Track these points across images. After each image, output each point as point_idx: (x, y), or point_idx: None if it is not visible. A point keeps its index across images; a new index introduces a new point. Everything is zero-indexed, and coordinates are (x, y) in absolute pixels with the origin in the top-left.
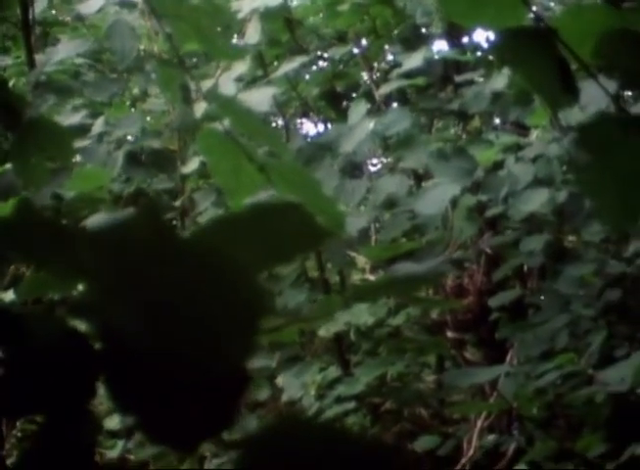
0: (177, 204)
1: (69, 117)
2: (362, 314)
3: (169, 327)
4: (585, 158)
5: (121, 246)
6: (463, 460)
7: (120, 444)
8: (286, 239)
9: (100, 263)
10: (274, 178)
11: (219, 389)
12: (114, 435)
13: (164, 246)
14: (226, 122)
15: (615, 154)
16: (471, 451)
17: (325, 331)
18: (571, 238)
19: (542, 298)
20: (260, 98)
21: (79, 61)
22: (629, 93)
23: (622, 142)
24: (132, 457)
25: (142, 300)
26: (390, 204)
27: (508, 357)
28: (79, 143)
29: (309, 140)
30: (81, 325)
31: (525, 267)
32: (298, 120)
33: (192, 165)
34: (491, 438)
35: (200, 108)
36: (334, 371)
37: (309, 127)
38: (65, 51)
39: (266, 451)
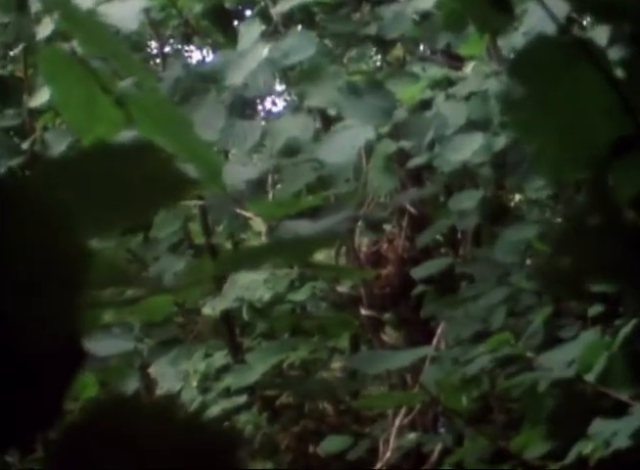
0: (25, 146)
1: None
2: (257, 288)
3: None
4: (520, 91)
5: None
6: (379, 464)
7: None
8: (138, 188)
9: None
10: (136, 115)
11: (34, 370)
12: None
13: None
14: (76, 42)
15: (555, 85)
16: (388, 453)
17: (210, 308)
18: (511, 195)
19: (476, 267)
20: (126, 12)
21: None
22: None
23: (564, 70)
24: None
25: None
26: (291, 151)
27: (434, 340)
28: None
29: (190, 69)
30: None
31: (459, 232)
32: (179, 46)
33: (41, 97)
34: (412, 436)
35: (47, 24)
36: (221, 358)
37: (193, 54)
38: None
39: (83, 440)
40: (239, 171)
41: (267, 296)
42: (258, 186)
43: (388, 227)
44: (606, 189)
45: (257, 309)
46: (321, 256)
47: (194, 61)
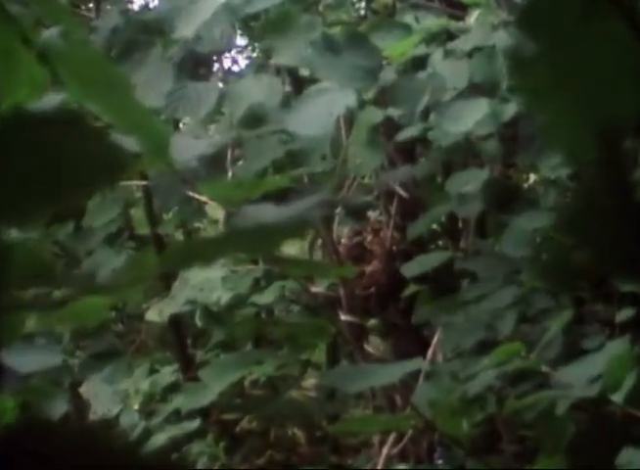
0: None
1: None
2: (214, 288)
3: None
4: (530, 48)
5: None
6: None
7: None
8: (66, 167)
9: None
10: (63, 73)
11: None
12: None
13: None
14: None
15: (573, 42)
16: None
17: (156, 313)
18: (524, 175)
19: (480, 263)
20: None
21: None
22: None
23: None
24: None
25: None
26: (255, 120)
27: (429, 351)
28: None
29: (130, 17)
30: None
31: (459, 220)
32: None
33: None
34: (403, 469)
35: None
36: (169, 374)
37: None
38: None
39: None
40: (191, 145)
41: (226, 297)
42: (215, 163)
43: (373, 214)
44: (624, 167)
45: (214, 314)
46: (292, 249)
47: (135, 7)
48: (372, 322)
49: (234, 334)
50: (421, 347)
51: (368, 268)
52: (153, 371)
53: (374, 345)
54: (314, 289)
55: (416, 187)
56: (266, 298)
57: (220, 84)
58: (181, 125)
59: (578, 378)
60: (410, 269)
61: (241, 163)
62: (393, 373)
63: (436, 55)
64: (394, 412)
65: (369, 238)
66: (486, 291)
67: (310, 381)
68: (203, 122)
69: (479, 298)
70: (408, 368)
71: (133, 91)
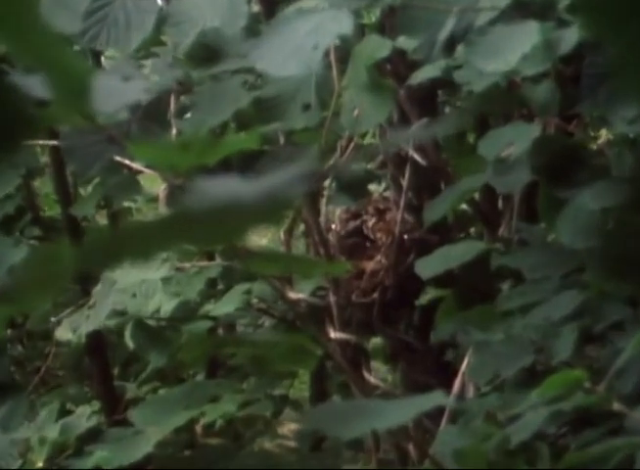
0: None
1: None
2: (151, 293)
3: None
4: None
5: None
6: None
7: None
8: None
9: None
10: None
11: None
12: None
13: None
14: None
15: None
16: None
17: (68, 330)
18: (591, 132)
19: (527, 258)
20: None
21: None
22: None
23: None
24: None
25: None
26: (209, 53)
27: (456, 382)
28: None
29: None
30: None
31: (499, 198)
32: None
33: None
34: None
35: None
36: (87, 416)
37: None
38: None
39: None
40: (118, 89)
41: (168, 307)
42: (153, 115)
43: (376, 189)
44: None
45: (151, 331)
46: (261, 238)
47: None
48: (375, 342)
49: (179, 358)
50: (443, 376)
51: (369, 265)
52: (64, 412)
53: (377, 373)
54: (293, 295)
55: (437, 151)
56: (225, 307)
57: (159, 1)
58: (104, 60)
59: None
60: (428, 267)
61: (189, 115)
62: (405, 412)
63: None
64: (407, 467)
65: (370, 223)
66: (536, 298)
67: (288, 425)
68: (134, 57)
69: (525, 307)
70: (426, 405)
71: (39, 12)
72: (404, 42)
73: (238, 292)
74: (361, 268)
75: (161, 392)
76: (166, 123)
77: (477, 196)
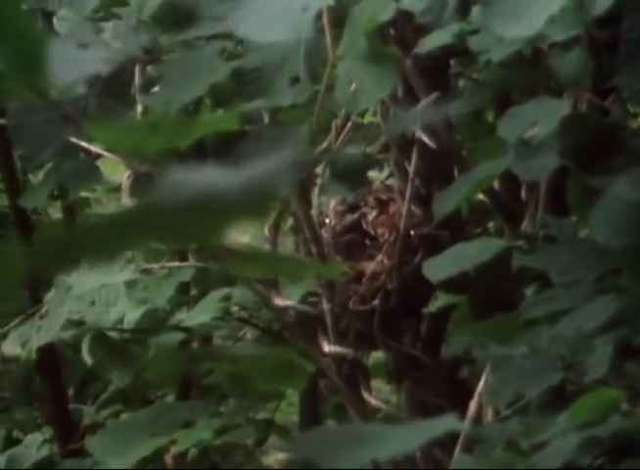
0: None
1: None
2: (113, 300)
3: None
4: None
5: None
6: None
7: None
8: None
9: None
10: None
11: None
12: None
13: None
14: None
15: None
16: None
17: (16, 344)
18: (629, 109)
19: (555, 258)
20: None
21: None
22: None
23: None
24: None
25: None
26: (179, 16)
27: (471, 404)
28: None
29: None
30: None
31: (522, 187)
32: None
33: None
34: None
35: None
36: (37, 445)
37: None
38: None
39: None
40: (74, 58)
41: (133, 315)
42: (114, 89)
43: (377, 177)
44: None
45: (113, 344)
46: (243, 235)
47: None
48: (376, 356)
49: (146, 377)
50: (456, 396)
51: (369, 266)
52: (11, 441)
53: (379, 393)
54: (280, 301)
55: (449, 131)
56: (200, 316)
57: None
58: (56, 23)
59: None
60: (439, 269)
61: (157, 89)
62: (412, 439)
63: None
64: None
65: (371, 216)
66: (565, 305)
67: (274, 455)
68: (92, 19)
69: (552, 316)
70: (436, 431)
71: None
72: (411, 3)
73: (215, 298)
74: (360, 270)
75: (125, 416)
76: (130, 99)
77: (496, 185)
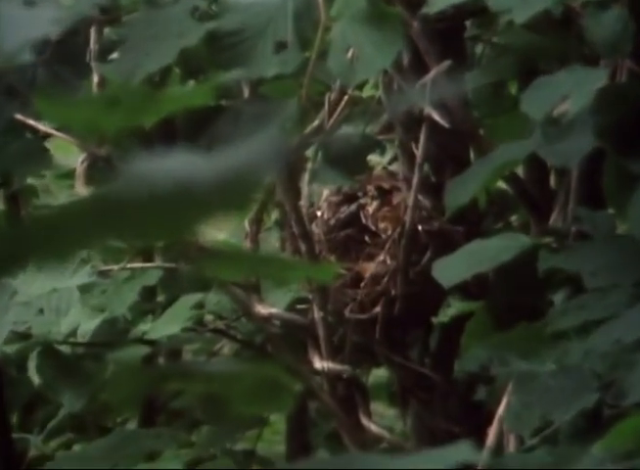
0: None
1: None
2: (65, 307)
3: None
4: None
5: None
6: None
7: None
8: None
9: None
10: None
11: None
12: None
13: None
14: None
15: None
16: None
17: None
18: None
19: (590, 258)
20: None
21: None
22: None
23: None
24: None
25: None
26: None
27: (491, 431)
28: None
29: None
30: None
31: (550, 173)
32: None
33: None
34: None
35: None
36: None
37: None
38: None
39: None
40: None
41: (88, 326)
42: (66, 56)
43: (378, 161)
44: None
45: (65, 360)
46: (219, 231)
47: None
48: (377, 375)
49: (103, 399)
50: (472, 422)
51: (369, 268)
52: None
53: (381, 419)
54: (262, 309)
55: (465, 107)
56: (167, 326)
57: None
58: None
59: None
60: (451, 271)
61: (117, 56)
62: None
63: None
64: None
65: (371, 208)
66: (601, 313)
67: None
68: None
69: (585, 326)
70: (449, 462)
71: None
72: None
73: (185, 305)
74: (358, 272)
75: (78, 447)
76: (85, 68)
77: (519, 171)
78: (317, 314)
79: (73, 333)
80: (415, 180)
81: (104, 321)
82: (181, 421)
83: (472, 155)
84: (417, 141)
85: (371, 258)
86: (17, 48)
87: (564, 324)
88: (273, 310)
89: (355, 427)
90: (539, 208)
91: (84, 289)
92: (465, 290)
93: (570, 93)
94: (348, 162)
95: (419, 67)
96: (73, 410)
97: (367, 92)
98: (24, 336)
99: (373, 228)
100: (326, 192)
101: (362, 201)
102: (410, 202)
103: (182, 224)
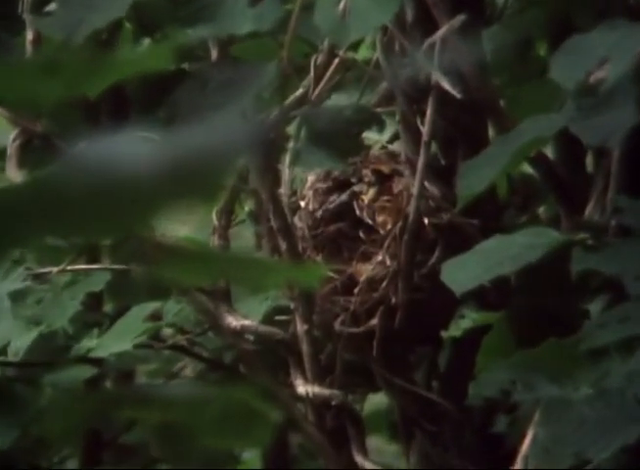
0: None
1: None
2: None
3: None
4: None
5: None
6: None
7: None
8: None
9: None
10: None
11: None
12: None
13: None
14: None
15: None
16: None
17: None
18: None
19: (629, 257)
20: None
21: None
22: None
23: None
24: None
25: None
26: None
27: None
28: None
29: None
30: None
31: (586, 154)
32: None
33: None
34: None
35: None
36: None
37: None
38: None
39: None
40: None
41: (21, 342)
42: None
43: (376, 140)
44: None
45: None
46: (182, 225)
47: None
48: (374, 401)
49: (39, 432)
50: (490, 459)
51: (364, 270)
52: None
53: (379, 455)
54: (234, 320)
55: (481, 74)
56: (117, 342)
57: None
58: None
59: None
60: (464, 274)
61: (55, 8)
62: None
63: None
64: None
65: (367, 197)
66: None
67: None
68: None
69: (628, 342)
70: None
71: None
72: None
73: (138, 317)
74: (351, 275)
75: None
76: (17, 23)
77: (548, 152)
78: (300, 327)
79: (3, 351)
80: (420, 163)
81: (40, 336)
82: (134, 459)
83: (490, 132)
84: (423, 115)
85: (367, 258)
86: None
87: (602, 340)
88: (246, 322)
89: (347, 465)
90: (572, 197)
91: (16, 296)
92: (481, 297)
93: (609, 55)
94: (339, 140)
95: (426, 23)
96: (1, 447)
97: (362, 54)
98: None
99: (369, 222)
100: (311, 177)
101: (356, 188)
102: (414, 190)
103: (133, 217)
